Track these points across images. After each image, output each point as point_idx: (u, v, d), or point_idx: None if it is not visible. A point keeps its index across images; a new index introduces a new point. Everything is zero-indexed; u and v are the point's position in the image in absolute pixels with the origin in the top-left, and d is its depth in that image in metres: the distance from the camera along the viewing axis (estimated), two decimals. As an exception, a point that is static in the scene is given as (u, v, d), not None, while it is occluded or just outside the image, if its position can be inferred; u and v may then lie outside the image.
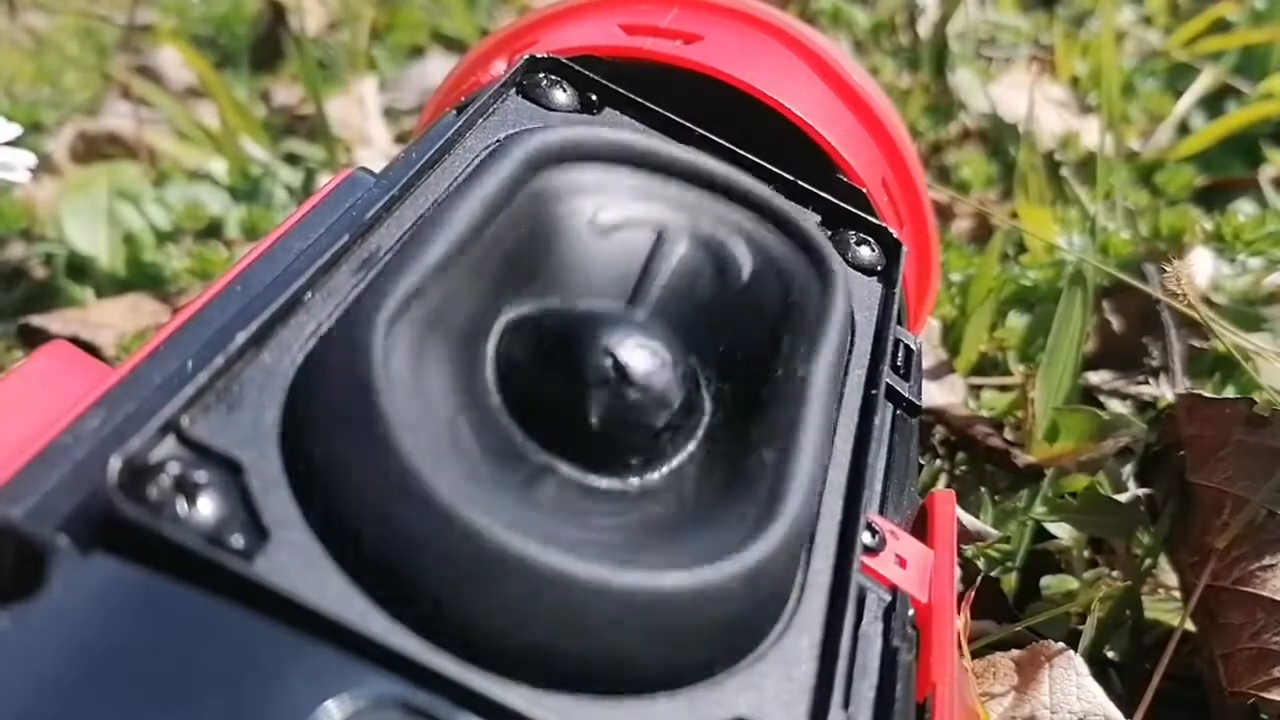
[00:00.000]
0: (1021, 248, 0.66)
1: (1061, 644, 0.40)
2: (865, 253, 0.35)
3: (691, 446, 0.28)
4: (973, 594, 0.39)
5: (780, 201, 0.34)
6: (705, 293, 0.32)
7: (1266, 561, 0.41)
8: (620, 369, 0.27)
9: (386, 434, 0.22)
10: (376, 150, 0.78)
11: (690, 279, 0.32)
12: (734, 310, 0.31)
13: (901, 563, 0.27)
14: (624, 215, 0.32)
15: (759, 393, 0.29)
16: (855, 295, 0.33)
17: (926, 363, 0.56)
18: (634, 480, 0.27)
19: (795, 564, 0.25)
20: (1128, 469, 0.50)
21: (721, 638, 0.23)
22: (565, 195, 0.31)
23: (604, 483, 0.27)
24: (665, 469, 0.28)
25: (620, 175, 0.32)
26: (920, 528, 0.30)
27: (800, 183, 0.36)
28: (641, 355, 0.27)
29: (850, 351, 0.31)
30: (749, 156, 0.35)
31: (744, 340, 0.31)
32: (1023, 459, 0.51)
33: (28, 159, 0.48)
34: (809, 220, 0.34)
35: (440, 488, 0.21)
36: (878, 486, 0.29)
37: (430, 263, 0.26)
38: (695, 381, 0.29)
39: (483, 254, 0.28)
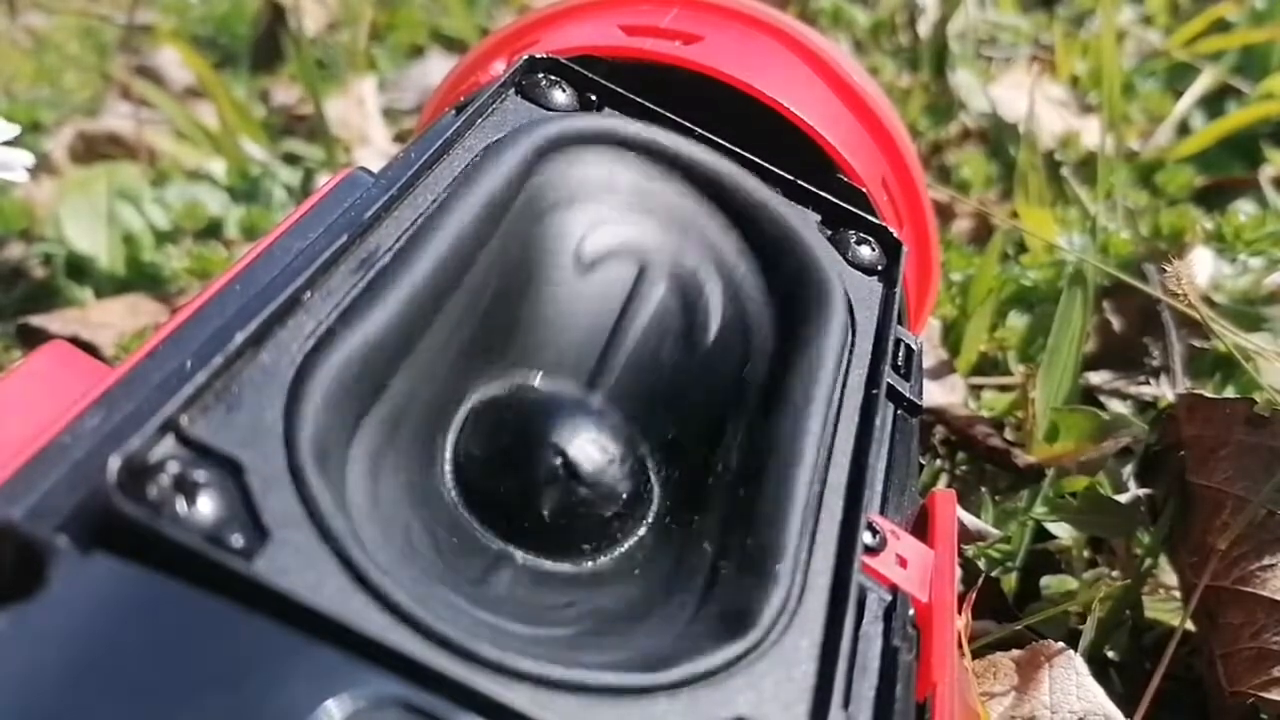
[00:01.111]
0: (1022, 248, 0.66)
1: (1061, 644, 0.40)
2: (865, 252, 0.35)
3: (641, 531, 0.30)
4: (973, 594, 0.39)
5: (777, 205, 0.34)
6: (669, 359, 0.33)
7: (1267, 561, 0.41)
8: (570, 467, 0.29)
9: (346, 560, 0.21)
10: (375, 150, 0.78)
11: (658, 338, 0.33)
12: (692, 384, 0.33)
13: (902, 563, 0.27)
14: (613, 240, 0.33)
15: (702, 484, 0.30)
16: (855, 295, 0.33)
17: (927, 363, 0.55)
18: (587, 564, 0.29)
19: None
20: (1128, 469, 0.50)
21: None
22: (560, 202, 0.32)
23: (558, 567, 0.28)
24: (617, 552, 0.29)
25: (621, 169, 0.33)
26: (921, 528, 0.30)
27: (800, 183, 0.36)
28: (591, 452, 0.29)
29: (851, 351, 0.32)
30: (749, 156, 0.35)
31: (695, 422, 0.32)
32: (1023, 459, 0.51)
33: (26, 159, 0.47)
34: (807, 225, 0.34)
35: (393, 595, 0.21)
36: (878, 486, 0.29)
37: (391, 314, 0.26)
38: (644, 474, 0.31)
39: (464, 304, 0.29)
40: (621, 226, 0.33)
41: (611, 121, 0.33)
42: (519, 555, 0.28)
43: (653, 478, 0.31)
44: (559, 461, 0.28)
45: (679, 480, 0.31)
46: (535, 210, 0.31)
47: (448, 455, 0.29)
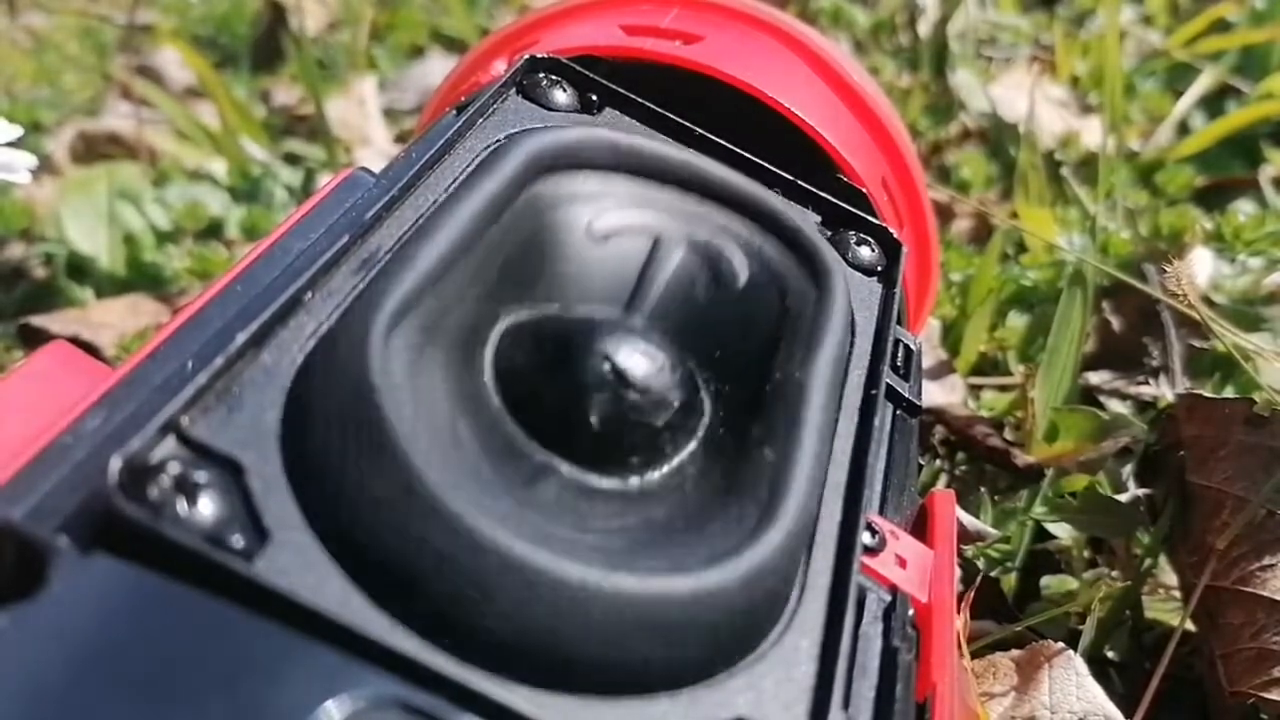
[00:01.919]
0: (1021, 248, 0.66)
1: (1061, 644, 0.40)
2: (865, 253, 0.35)
3: (692, 445, 0.28)
4: (973, 594, 0.39)
5: (778, 204, 0.34)
6: (702, 299, 0.32)
7: (1266, 561, 0.41)
8: (618, 373, 0.27)
9: (387, 436, 0.22)
10: (376, 150, 0.78)
11: (687, 286, 0.32)
12: (730, 316, 0.31)
13: (901, 563, 0.27)
14: (621, 222, 0.32)
15: (757, 395, 0.29)
16: (855, 295, 0.33)
17: (926, 363, 0.56)
18: (634, 480, 0.27)
19: (795, 566, 0.25)
20: (1127, 469, 0.50)
21: (720, 640, 0.23)
22: (562, 202, 0.31)
23: (605, 482, 0.27)
24: (666, 468, 0.28)
25: (617, 182, 0.32)
26: (920, 528, 0.30)
27: (800, 183, 0.36)
28: (639, 359, 0.28)
29: (850, 352, 0.31)
30: (749, 156, 0.35)
31: (741, 345, 0.31)
32: (1022, 459, 0.51)
33: (29, 160, 0.48)
34: (807, 223, 0.34)
35: (440, 488, 0.21)
36: (878, 486, 0.29)
37: (426, 267, 0.26)
38: (693, 383, 0.29)
39: (479, 261, 0.28)
40: (627, 212, 0.32)
41: (603, 142, 0.33)
42: (565, 467, 0.27)
43: (702, 390, 0.30)
44: (607, 367, 0.27)
45: (730, 393, 0.30)
46: (537, 207, 0.31)
47: (488, 365, 0.28)
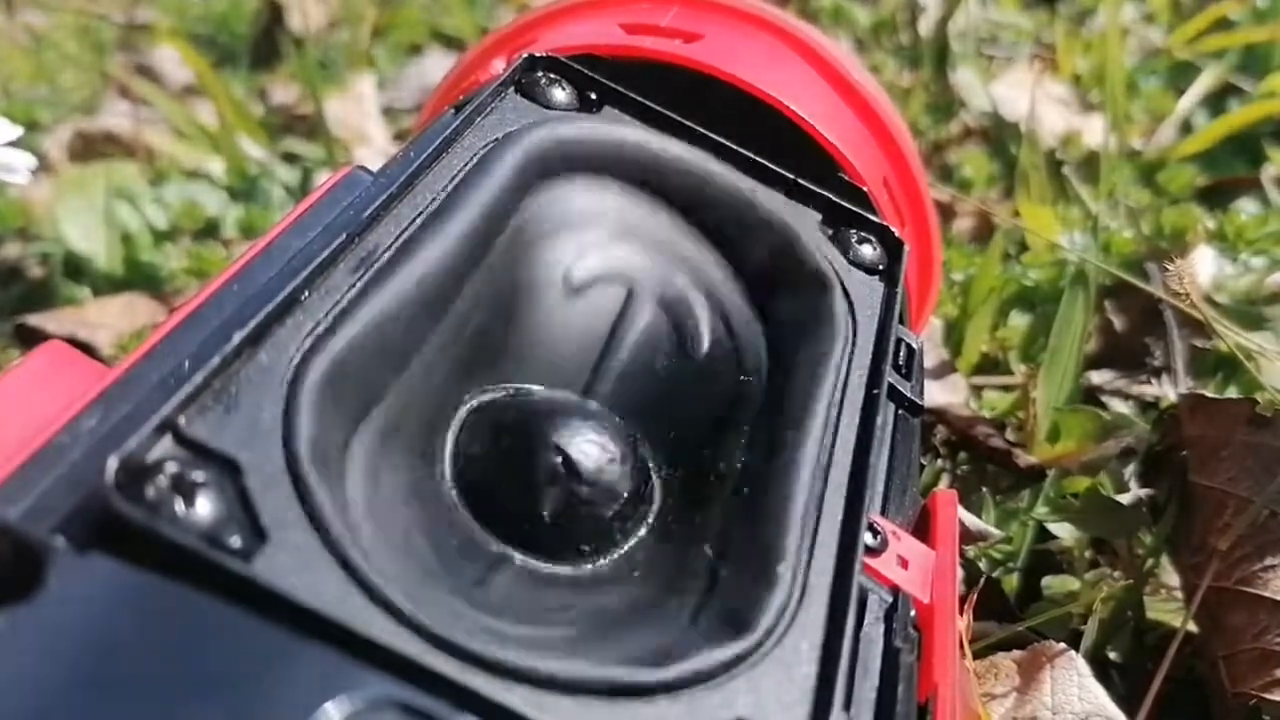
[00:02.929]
0: (1023, 247, 0.66)
1: (1063, 645, 0.40)
2: (867, 251, 0.35)
3: (642, 532, 0.30)
4: (974, 594, 0.39)
5: (776, 211, 0.34)
6: (662, 369, 0.33)
7: (1269, 562, 0.41)
8: (570, 465, 0.28)
9: (340, 557, 0.21)
10: (375, 149, 0.78)
11: (650, 351, 0.33)
12: (688, 390, 0.32)
13: (903, 563, 0.27)
14: (600, 266, 0.33)
15: (706, 481, 0.30)
16: (857, 294, 0.33)
17: (928, 362, 0.55)
18: (587, 566, 0.28)
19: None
20: (1130, 469, 0.50)
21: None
22: (549, 232, 0.32)
23: (558, 570, 0.28)
24: (617, 554, 0.29)
25: (609, 197, 0.33)
26: (922, 528, 0.30)
27: (801, 181, 0.36)
28: (591, 450, 0.29)
29: (852, 351, 0.31)
30: (750, 155, 0.35)
31: (694, 425, 0.32)
32: (1024, 459, 0.51)
33: (28, 160, 0.47)
34: (805, 228, 0.35)
35: (390, 595, 0.21)
36: (879, 487, 0.29)
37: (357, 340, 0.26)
38: (645, 473, 0.31)
39: (453, 328, 0.29)
40: (609, 251, 0.33)
41: (601, 142, 0.33)
42: (518, 557, 0.28)
43: (654, 477, 0.31)
44: (559, 460, 0.28)
45: (680, 480, 0.31)
46: (523, 240, 0.31)
47: (447, 457, 0.29)
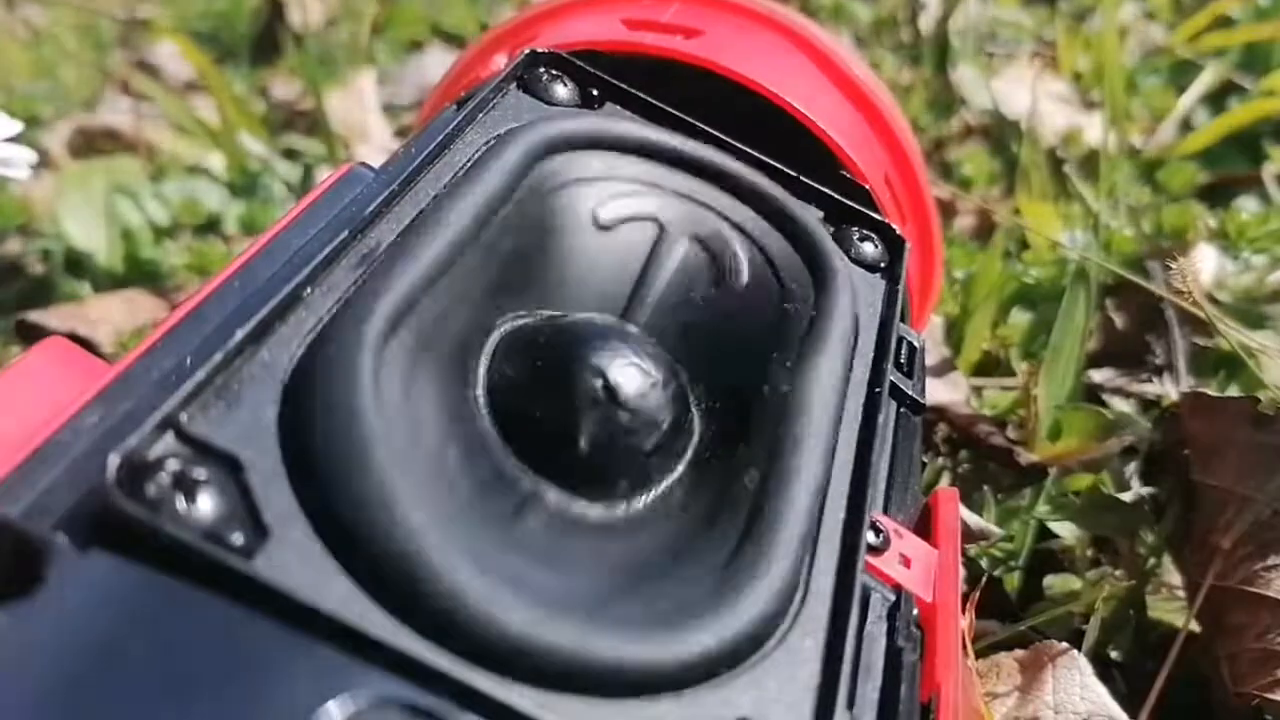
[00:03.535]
0: (1024, 245, 0.66)
1: (1065, 644, 0.40)
2: (868, 249, 0.35)
3: (679, 469, 0.29)
4: (976, 593, 0.39)
5: (782, 197, 0.34)
6: (701, 298, 0.32)
7: (1271, 561, 0.40)
8: (610, 390, 0.27)
9: (371, 473, 0.21)
10: (376, 145, 0.78)
11: (687, 282, 0.32)
12: (729, 318, 0.31)
13: (906, 562, 0.27)
14: (627, 209, 0.32)
15: (746, 415, 0.29)
16: (858, 292, 0.33)
17: (929, 360, 0.55)
18: (620, 507, 0.27)
19: (783, 612, 0.24)
20: (1131, 468, 0.50)
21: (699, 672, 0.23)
22: (569, 184, 0.31)
23: (590, 510, 0.27)
24: (652, 494, 0.28)
25: (625, 163, 0.32)
26: (924, 526, 0.30)
27: (803, 178, 0.35)
28: (631, 374, 0.28)
29: (854, 349, 0.31)
30: (751, 152, 0.35)
31: (736, 355, 0.31)
32: (1026, 457, 0.50)
33: (29, 156, 0.47)
34: (811, 218, 0.34)
35: (419, 533, 0.21)
36: (881, 485, 0.29)
37: (421, 270, 0.26)
38: (685, 400, 0.29)
39: (483, 253, 0.28)
40: (634, 199, 0.32)
41: (609, 126, 0.33)
42: (551, 495, 0.26)
43: (693, 409, 0.30)
44: (599, 384, 0.27)
45: (720, 411, 0.30)
46: (542, 192, 0.31)
47: (480, 380, 0.28)
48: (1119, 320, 0.59)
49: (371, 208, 0.28)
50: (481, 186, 0.28)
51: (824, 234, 0.34)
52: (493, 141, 0.31)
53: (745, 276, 0.32)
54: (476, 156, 0.30)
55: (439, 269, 0.26)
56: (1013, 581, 0.47)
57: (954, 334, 0.60)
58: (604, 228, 0.32)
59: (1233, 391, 0.53)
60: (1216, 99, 0.81)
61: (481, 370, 0.28)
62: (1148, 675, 0.40)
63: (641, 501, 0.28)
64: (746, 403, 0.29)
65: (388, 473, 0.21)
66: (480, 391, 0.27)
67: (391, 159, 0.31)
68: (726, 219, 0.33)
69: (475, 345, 0.28)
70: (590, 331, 0.29)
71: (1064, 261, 0.61)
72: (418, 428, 0.24)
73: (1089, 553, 0.48)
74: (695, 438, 0.29)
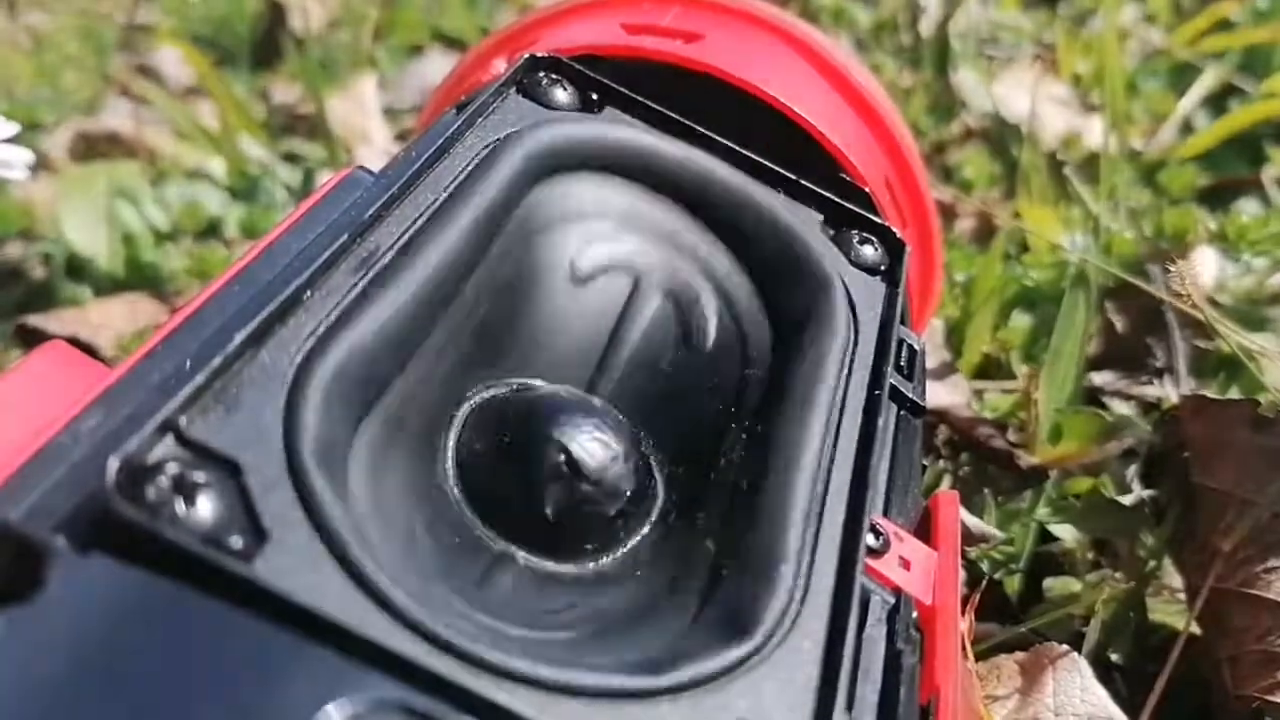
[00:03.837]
0: (1024, 248, 0.66)
1: (1065, 646, 0.40)
2: (868, 252, 0.35)
3: (645, 529, 0.29)
4: (976, 596, 0.39)
5: (778, 209, 0.34)
6: (668, 363, 0.33)
7: (1272, 563, 0.40)
8: (573, 464, 0.28)
9: (346, 561, 0.21)
10: (376, 149, 0.78)
11: (656, 345, 0.33)
12: (693, 382, 0.32)
13: (905, 565, 0.27)
14: (605, 256, 0.33)
15: (707, 479, 0.30)
16: (858, 295, 0.33)
17: (929, 363, 0.55)
18: (590, 564, 0.28)
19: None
20: (1132, 470, 0.50)
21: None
22: (553, 222, 0.32)
23: (561, 568, 0.28)
24: (620, 552, 0.29)
25: (611, 189, 0.33)
26: (924, 529, 0.30)
27: (803, 182, 0.35)
28: (594, 448, 0.28)
29: (854, 352, 0.31)
30: (751, 155, 0.35)
31: (699, 420, 0.32)
32: (1026, 460, 0.50)
33: (26, 156, 0.47)
34: (807, 224, 0.34)
35: (390, 594, 0.21)
36: (881, 488, 0.29)
37: (371, 338, 0.26)
38: (648, 470, 0.30)
39: (457, 319, 0.29)
40: (614, 244, 0.33)
41: (603, 135, 0.33)
42: (521, 556, 0.27)
43: (656, 475, 0.31)
44: (562, 458, 0.28)
45: (683, 477, 0.31)
46: (527, 230, 0.31)
47: (449, 454, 0.29)
48: (1119, 323, 0.59)
49: (371, 211, 0.28)
50: (471, 210, 0.29)
51: (820, 240, 0.34)
52: (492, 146, 0.31)
53: (711, 339, 0.33)
54: (476, 161, 0.30)
55: (410, 340, 0.27)
56: (1013, 584, 0.47)
57: (954, 337, 0.60)
58: (580, 281, 0.32)
59: (1233, 394, 0.53)
60: (1217, 101, 0.82)
61: (450, 444, 0.29)
62: (1148, 678, 0.40)
63: (609, 560, 0.29)
64: (708, 469, 0.30)
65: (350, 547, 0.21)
66: (450, 466, 0.28)
67: (391, 163, 0.31)
68: (701, 266, 0.34)
69: (445, 418, 0.29)
70: (555, 404, 0.30)
71: (1064, 264, 0.61)
72: (387, 503, 0.25)
73: (1089, 555, 0.48)
74: (660, 501, 0.30)
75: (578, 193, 0.33)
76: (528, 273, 0.32)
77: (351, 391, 0.24)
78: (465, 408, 0.30)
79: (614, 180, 0.33)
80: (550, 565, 0.28)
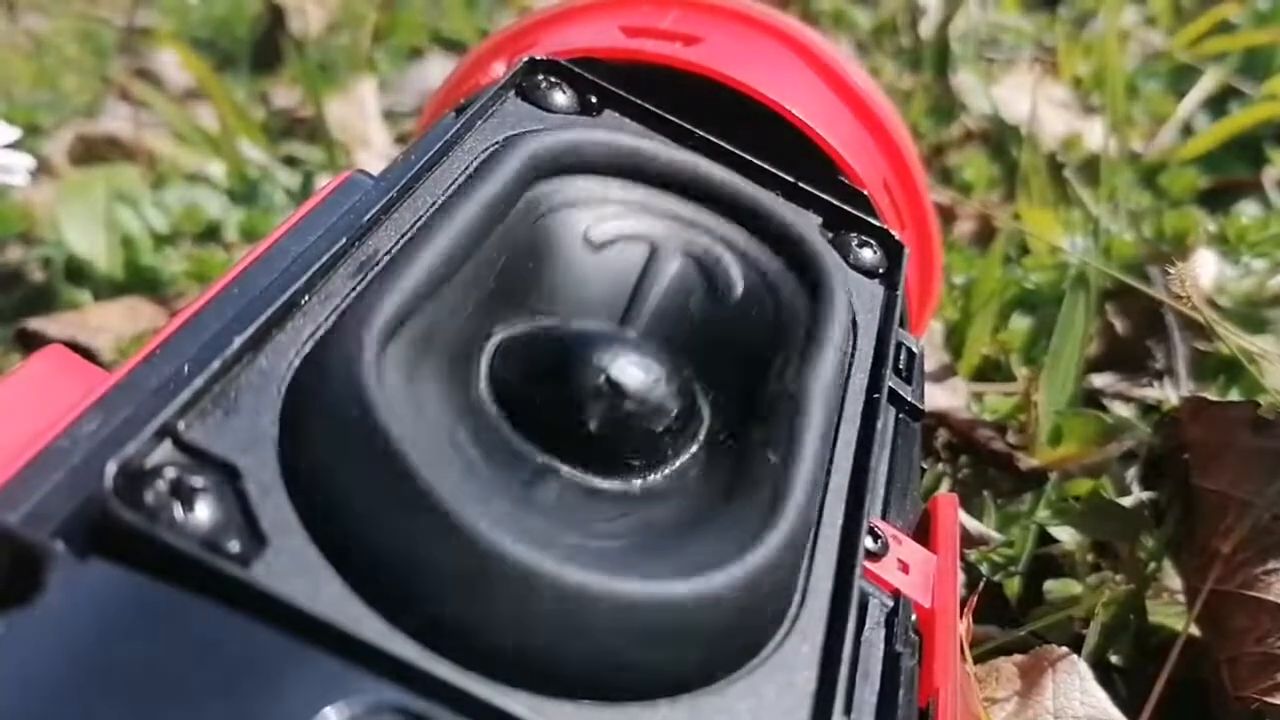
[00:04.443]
0: (1024, 250, 0.66)
1: (1065, 648, 0.40)
2: (867, 255, 0.35)
3: (693, 448, 0.29)
4: (975, 598, 0.39)
5: (778, 208, 0.34)
6: (697, 311, 0.32)
7: (1271, 565, 0.40)
8: (614, 385, 0.27)
9: (384, 441, 0.21)
10: (376, 152, 0.78)
11: (682, 297, 0.32)
12: (726, 328, 0.32)
13: (904, 567, 0.27)
14: (618, 229, 0.32)
15: (753, 404, 0.29)
16: (857, 298, 0.33)
17: (929, 366, 0.55)
18: (636, 481, 0.27)
19: (795, 570, 0.25)
20: (1131, 472, 0.50)
21: (720, 645, 0.23)
22: (561, 206, 0.31)
23: (606, 484, 0.27)
24: (668, 470, 0.28)
25: (615, 187, 0.33)
26: (923, 532, 0.30)
27: (801, 185, 0.36)
28: (634, 372, 0.28)
29: (852, 355, 0.31)
30: (749, 158, 0.35)
31: (737, 357, 0.31)
32: (1026, 462, 0.50)
33: (27, 162, 0.47)
34: (807, 226, 0.34)
35: (439, 491, 0.21)
36: (880, 491, 0.29)
37: (419, 278, 0.26)
38: (691, 392, 0.30)
39: (476, 270, 0.28)
40: (625, 220, 0.32)
41: (600, 141, 0.33)
42: (565, 469, 0.27)
43: (700, 399, 0.30)
44: (603, 380, 0.27)
45: (728, 401, 0.30)
46: (534, 213, 0.31)
47: (482, 380, 0.28)
48: (1119, 325, 0.59)
49: (370, 215, 0.28)
50: (476, 202, 0.28)
51: (820, 242, 0.34)
52: (491, 149, 0.31)
53: (739, 290, 0.32)
54: (473, 168, 0.30)
55: (435, 278, 0.26)
56: (1013, 586, 0.47)
57: (954, 339, 0.60)
58: (596, 247, 0.32)
59: (1233, 396, 0.53)
60: (1217, 104, 0.82)
61: (483, 372, 0.28)
62: (1148, 680, 0.40)
63: (657, 476, 0.28)
64: (751, 394, 0.29)
65: (398, 441, 0.21)
66: (484, 387, 0.28)
67: (391, 166, 0.31)
68: (718, 237, 0.33)
69: (475, 350, 0.28)
70: (589, 335, 0.29)
71: (1064, 266, 0.61)
72: (423, 413, 0.24)
73: (1089, 557, 0.48)
74: (706, 422, 0.29)
75: (582, 185, 0.32)
76: (542, 240, 0.31)
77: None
78: (494, 340, 0.29)
79: (617, 179, 0.33)
80: (595, 480, 0.27)
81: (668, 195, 0.33)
